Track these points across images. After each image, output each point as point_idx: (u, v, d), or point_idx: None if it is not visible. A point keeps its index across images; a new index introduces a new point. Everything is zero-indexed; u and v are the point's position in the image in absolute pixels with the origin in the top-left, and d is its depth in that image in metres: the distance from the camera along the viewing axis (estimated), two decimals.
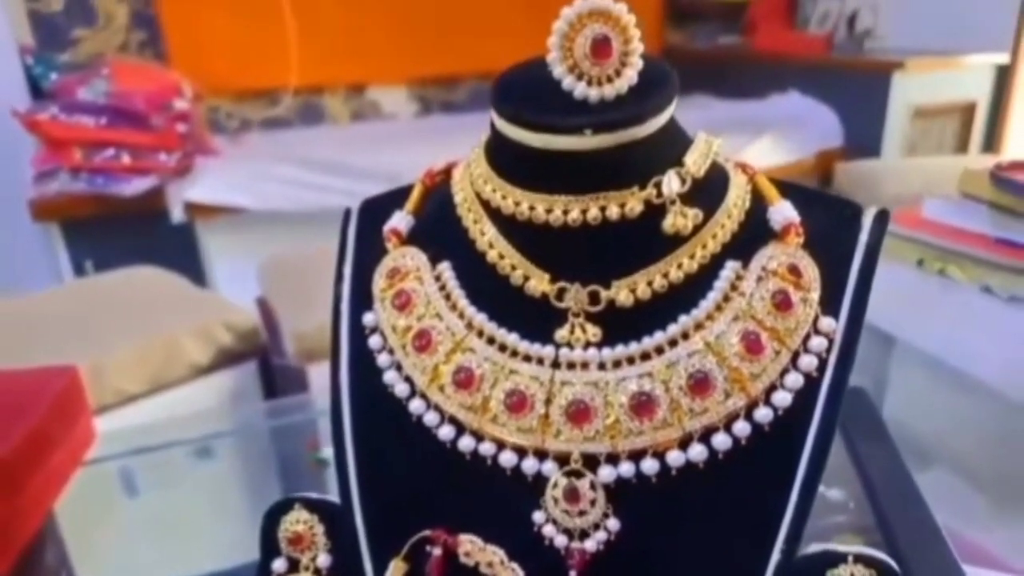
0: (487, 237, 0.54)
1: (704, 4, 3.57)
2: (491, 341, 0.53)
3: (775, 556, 0.48)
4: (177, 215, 2.58)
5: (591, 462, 0.50)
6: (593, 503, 0.50)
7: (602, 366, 0.50)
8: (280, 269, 2.06)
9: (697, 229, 0.52)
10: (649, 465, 0.49)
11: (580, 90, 0.49)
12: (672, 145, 0.53)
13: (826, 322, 0.51)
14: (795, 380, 0.49)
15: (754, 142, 2.58)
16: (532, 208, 0.51)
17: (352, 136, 3.15)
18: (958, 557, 0.74)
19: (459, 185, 0.58)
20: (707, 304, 0.50)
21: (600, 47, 0.49)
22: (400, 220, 0.60)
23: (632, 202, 0.50)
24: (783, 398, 0.49)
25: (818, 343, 0.50)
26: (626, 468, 0.49)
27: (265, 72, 3.14)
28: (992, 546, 0.89)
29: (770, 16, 3.33)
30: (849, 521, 0.78)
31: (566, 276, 0.52)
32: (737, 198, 0.54)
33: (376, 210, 0.63)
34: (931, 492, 0.87)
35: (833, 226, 0.54)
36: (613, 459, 0.50)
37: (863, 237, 0.53)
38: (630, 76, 0.50)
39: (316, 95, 3.31)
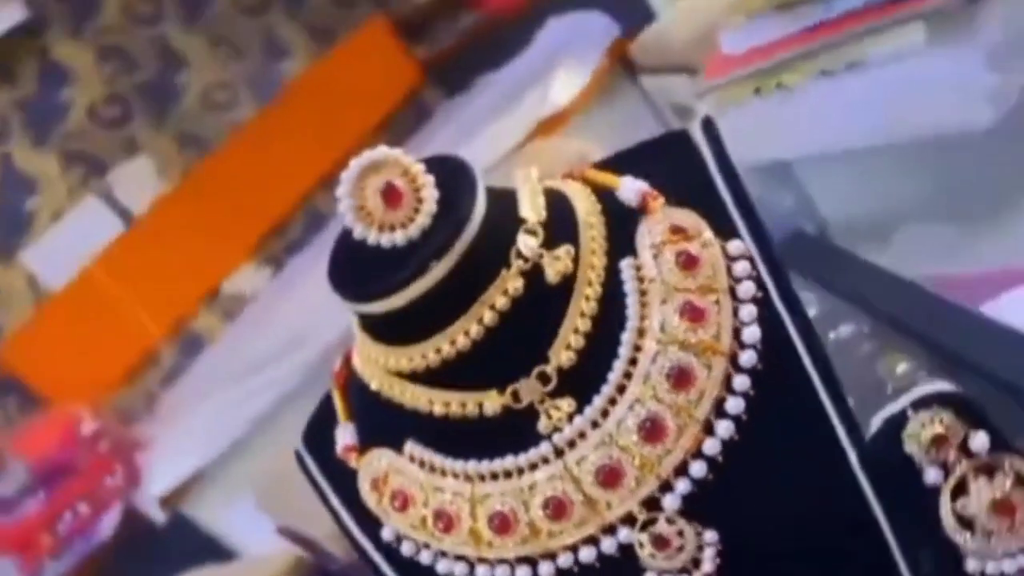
0: (421, 397, 0.54)
1: (424, 6, 3.57)
2: (495, 476, 0.52)
3: (851, 455, 0.49)
4: (159, 516, 2.52)
5: (653, 504, 0.50)
6: (681, 534, 0.50)
7: (595, 424, 0.50)
8: (274, 490, 2.02)
9: (577, 259, 0.52)
10: (698, 468, 0.49)
11: (399, 238, 0.49)
12: (506, 209, 0.53)
13: (734, 246, 0.51)
14: (749, 312, 0.50)
15: (550, 89, 2.57)
16: (437, 350, 0.51)
17: (238, 339, 3.10)
18: (971, 307, 0.76)
19: (365, 370, 0.57)
20: (633, 307, 0.51)
21: (391, 196, 0.49)
22: (345, 434, 0.59)
23: (511, 284, 0.50)
24: (752, 333, 0.50)
25: (741, 267, 0.51)
26: (683, 486, 0.49)
27: (129, 345, 3.08)
28: (983, 267, 0.91)
29: None
30: (874, 346, 0.79)
31: (510, 378, 0.52)
32: (586, 206, 0.54)
33: (318, 437, 0.62)
34: (908, 253, 0.89)
35: (675, 164, 0.55)
36: (667, 487, 0.50)
37: (708, 155, 0.54)
38: (431, 196, 0.50)
39: (185, 327, 3.25)
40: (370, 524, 0.58)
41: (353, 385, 0.60)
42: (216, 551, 2.37)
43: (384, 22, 3.53)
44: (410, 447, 0.55)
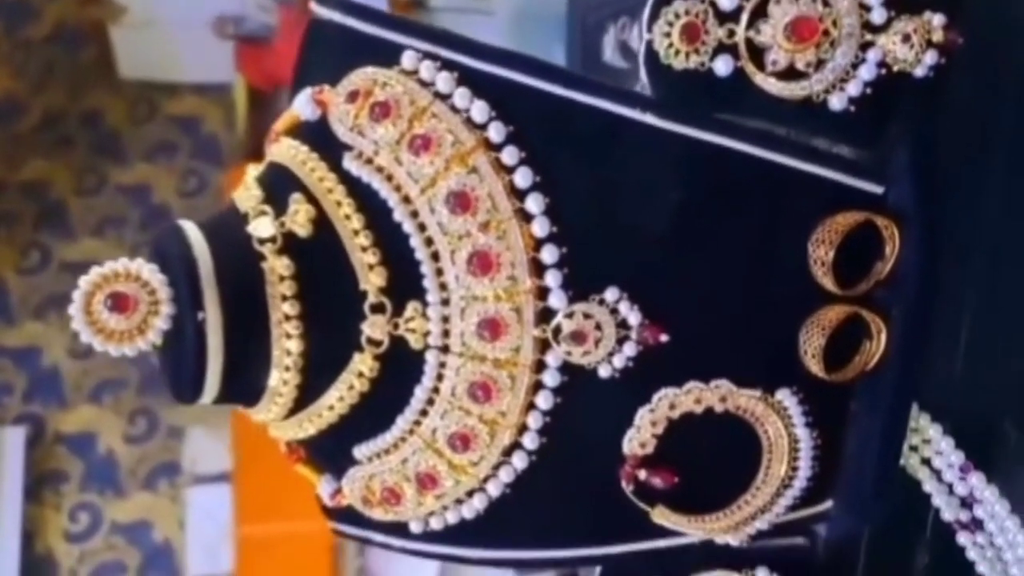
0: None
1: None
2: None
3: None
4: None
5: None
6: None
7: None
8: None
9: (319, 206, 0.48)
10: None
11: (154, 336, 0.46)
12: (232, 223, 0.50)
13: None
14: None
15: None
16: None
17: None
18: None
19: None
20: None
21: (120, 303, 0.45)
22: None
23: (279, 268, 0.47)
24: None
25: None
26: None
27: None
28: None
29: None
30: None
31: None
32: (289, 152, 0.51)
33: None
34: None
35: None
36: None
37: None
38: (165, 293, 0.46)
39: None
40: None
41: None
42: None
43: None
44: None
